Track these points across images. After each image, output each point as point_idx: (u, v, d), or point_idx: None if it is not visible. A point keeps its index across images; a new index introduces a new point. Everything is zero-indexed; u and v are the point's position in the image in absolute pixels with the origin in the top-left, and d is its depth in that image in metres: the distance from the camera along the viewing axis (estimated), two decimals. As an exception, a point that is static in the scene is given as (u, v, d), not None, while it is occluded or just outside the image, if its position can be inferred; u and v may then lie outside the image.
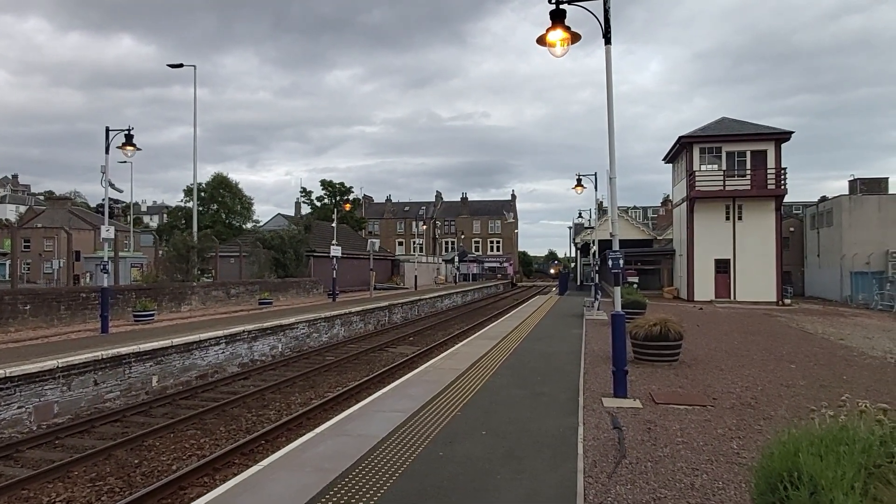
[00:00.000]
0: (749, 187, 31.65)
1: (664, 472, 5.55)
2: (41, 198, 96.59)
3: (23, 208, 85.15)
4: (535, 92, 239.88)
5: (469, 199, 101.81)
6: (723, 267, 32.19)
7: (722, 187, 31.77)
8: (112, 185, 34.34)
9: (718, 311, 26.36)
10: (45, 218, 65.61)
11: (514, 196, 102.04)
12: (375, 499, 4.75)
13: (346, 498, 4.76)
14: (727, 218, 32.05)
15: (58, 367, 10.12)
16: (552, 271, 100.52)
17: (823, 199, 44.40)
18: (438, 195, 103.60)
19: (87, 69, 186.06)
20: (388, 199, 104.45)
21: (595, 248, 30.57)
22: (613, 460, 5.85)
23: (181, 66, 30.06)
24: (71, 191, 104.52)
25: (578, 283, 57.72)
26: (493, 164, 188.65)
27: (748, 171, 31.89)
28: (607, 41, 8.80)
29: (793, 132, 31.59)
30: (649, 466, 5.71)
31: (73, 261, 29.44)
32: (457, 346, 14.14)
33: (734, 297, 31.62)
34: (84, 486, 7.17)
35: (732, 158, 32.26)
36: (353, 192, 76.77)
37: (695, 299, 31.57)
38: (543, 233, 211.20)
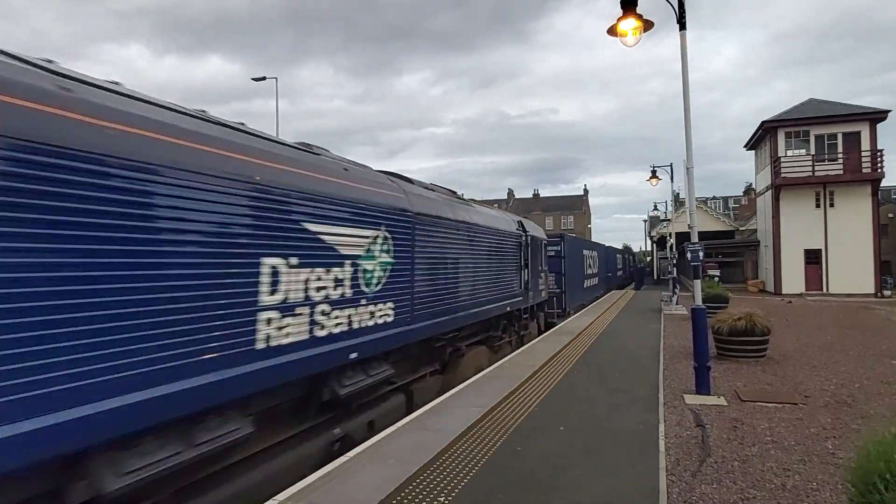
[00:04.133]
0: (841, 172, 29.58)
1: (753, 472, 5.37)
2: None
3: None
4: (604, 85, 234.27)
5: (541, 196, 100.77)
6: (813, 258, 30.28)
7: (811, 173, 29.88)
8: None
9: (809, 304, 24.87)
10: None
11: (586, 191, 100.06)
12: (457, 491, 4.87)
13: (428, 488, 4.91)
14: (817, 205, 30.11)
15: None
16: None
17: (928, 181, 40.90)
18: (510, 192, 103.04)
19: (181, 88, 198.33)
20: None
21: (672, 241, 29.55)
22: (697, 459, 5.71)
23: (264, 78, 31.49)
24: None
25: (655, 278, 55.93)
26: (563, 160, 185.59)
27: (840, 155, 29.83)
28: (682, 26, 8.57)
29: (889, 111, 29.29)
30: (736, 466, 5.54)
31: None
32: (531, 343, 14.09)
33: (826, 290, 29.69)
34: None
35: (822, 142, 30.26)
36: (424, 191, 77.51)
37: (782, 292, 29.90)
38: (617, 227, 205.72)
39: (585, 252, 27.03)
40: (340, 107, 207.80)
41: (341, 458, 5.73)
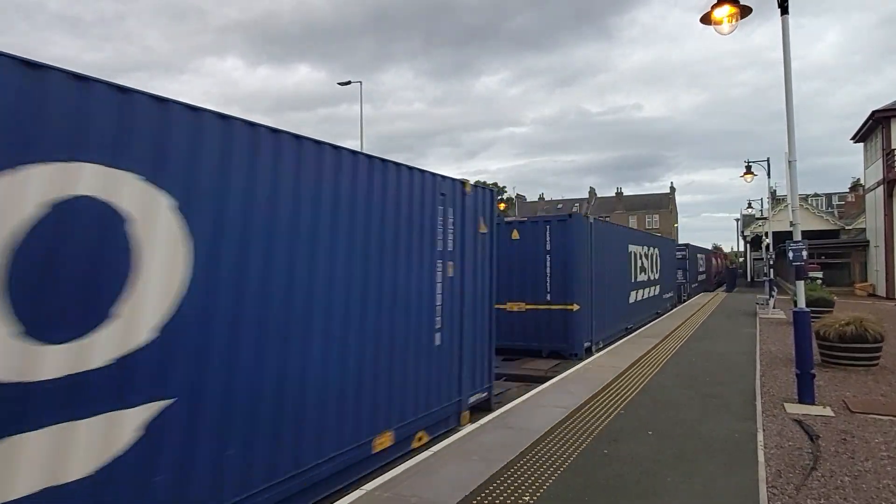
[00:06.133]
0: (967, 165, 26.73)
1: (866, 489, 4.94)
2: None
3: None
4: (691, 78, 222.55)
5: (624, 194, 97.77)
6: (933, 259, 27.53)
7: (930, 166, 27.18)
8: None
9: (928, 310, 22.64)
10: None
11: (672, 188, 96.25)
12: (542, 491, 4.79)
13: (512, 487, 4.86)
14: (938, 202, 27.34)
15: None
16: None
17: None
18: (592, 191, 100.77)
19: (272, 97, 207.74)
20: (541, 198, 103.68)
21: (768, 240, 27.77)
22: (801, 472, 5.32)
23: (349, 83, 32.69)
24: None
25: (749, 280, 52.85)
26: (647, 157, 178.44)
27: (965, 146, 26.94)
28: (784, 10, 8.02)
29: None
30: (847, 481, 5.11)
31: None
32: (616, 344, 13.69)
33: (949, 295, 26.92)
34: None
35: (943, 132, 27.44)
36: (505, 191, 77.40)
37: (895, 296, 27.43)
38: (706, 226, 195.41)
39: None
40: (421, 109, 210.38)
41: (425, 452, 5.80)
